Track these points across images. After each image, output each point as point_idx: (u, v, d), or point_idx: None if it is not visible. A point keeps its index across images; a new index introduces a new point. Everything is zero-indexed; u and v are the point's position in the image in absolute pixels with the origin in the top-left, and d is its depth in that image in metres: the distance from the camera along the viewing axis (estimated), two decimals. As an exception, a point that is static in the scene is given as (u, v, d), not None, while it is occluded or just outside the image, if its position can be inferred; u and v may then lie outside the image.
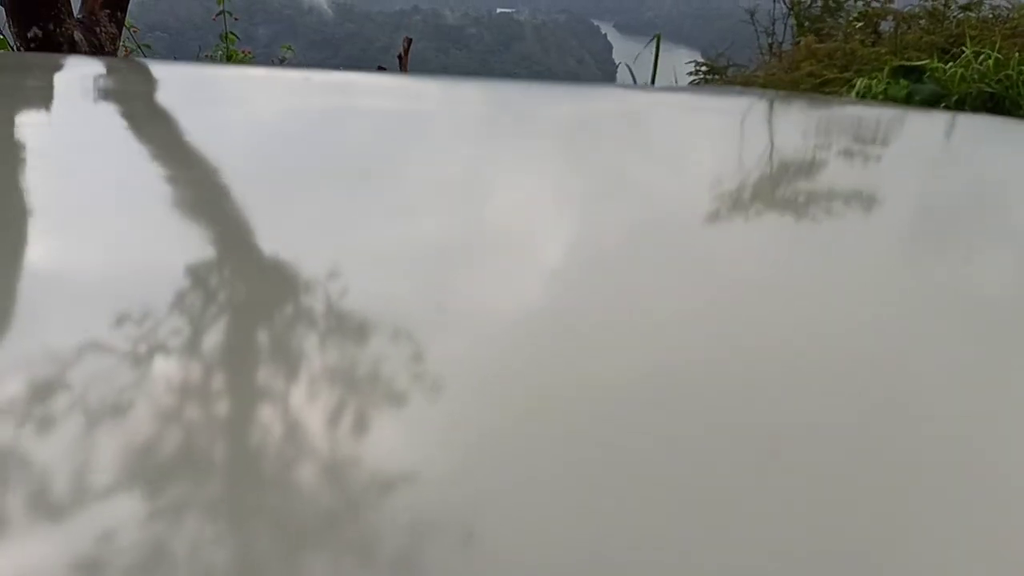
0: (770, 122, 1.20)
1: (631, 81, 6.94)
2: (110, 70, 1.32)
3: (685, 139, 1.10)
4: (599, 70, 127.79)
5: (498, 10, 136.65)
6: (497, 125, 1.09)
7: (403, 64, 3.66)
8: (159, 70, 1.35)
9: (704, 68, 13.25)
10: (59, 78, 1.21)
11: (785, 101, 1.29)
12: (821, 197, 0.84)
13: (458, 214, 0.73)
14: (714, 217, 0.76)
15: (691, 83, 12.84)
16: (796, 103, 1.29)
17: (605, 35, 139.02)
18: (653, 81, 5.89)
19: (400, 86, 1.51)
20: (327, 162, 0.84)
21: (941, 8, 9.54)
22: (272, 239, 0.63)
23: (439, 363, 0.47)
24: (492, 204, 0.77)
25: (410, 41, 3.74)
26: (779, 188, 0.87)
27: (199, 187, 0.77)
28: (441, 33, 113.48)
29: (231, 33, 4.76)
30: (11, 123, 0.93)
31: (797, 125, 1.22)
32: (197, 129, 0.96)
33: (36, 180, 0.74)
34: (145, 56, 4.69)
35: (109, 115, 1.04)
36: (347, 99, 1.19)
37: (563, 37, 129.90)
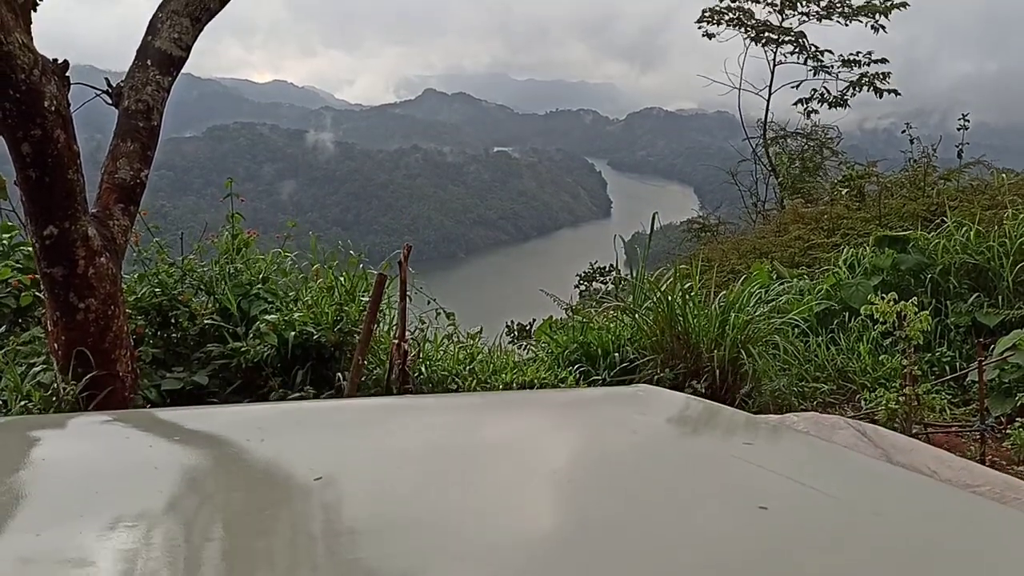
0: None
1: (621, 241, 7.17)
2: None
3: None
4: (594, 205, 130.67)
5: (495, 148, 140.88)
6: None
7: (403, 269, 3.81)
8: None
9: (696, 226, 13.75)
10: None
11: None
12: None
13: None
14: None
15: (684, 238, 13.30)
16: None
17: (599, 172, 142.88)
18: (648, 249, 6.07)
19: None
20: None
21: (921, 176, 9.91)
22: None
23: None
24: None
25: (410, 248, 3.90)
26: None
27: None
28: (440, 170, 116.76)
29: (237, 213, 4.90)
30: None
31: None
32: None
33: None
34: (152, 233, 4.78)
35: None
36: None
37: (558, 174, 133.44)
